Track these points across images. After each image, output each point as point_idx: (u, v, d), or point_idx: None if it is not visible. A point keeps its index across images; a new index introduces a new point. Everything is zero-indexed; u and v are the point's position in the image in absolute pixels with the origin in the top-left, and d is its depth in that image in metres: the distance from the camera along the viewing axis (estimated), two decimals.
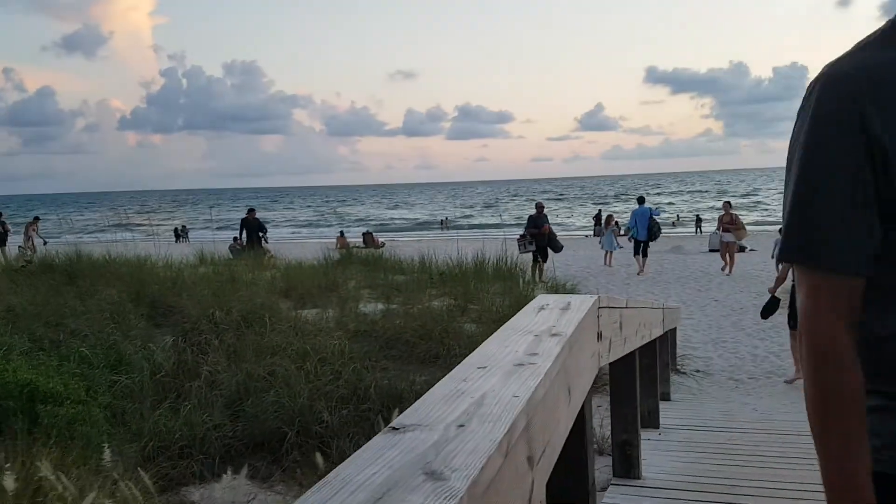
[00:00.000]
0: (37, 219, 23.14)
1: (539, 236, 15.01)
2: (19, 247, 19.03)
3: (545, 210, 16.22)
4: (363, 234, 30.18)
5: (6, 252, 17.73)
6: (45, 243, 20.21)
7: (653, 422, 4.13)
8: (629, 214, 19.74)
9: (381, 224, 60.93)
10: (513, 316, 1.75)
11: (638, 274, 16.45)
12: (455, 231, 48.34)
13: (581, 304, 1.71)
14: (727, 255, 15.38)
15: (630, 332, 2.62)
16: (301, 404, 4.13)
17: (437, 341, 6.24)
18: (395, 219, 68.87)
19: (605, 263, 17.83)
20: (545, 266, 14.73)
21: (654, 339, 3.91)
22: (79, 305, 7.03)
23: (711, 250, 15.65)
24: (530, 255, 14.80)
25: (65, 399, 3.72)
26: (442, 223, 55.48)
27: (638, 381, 3.13)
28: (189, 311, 6.62)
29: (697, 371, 7.06)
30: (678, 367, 6.94)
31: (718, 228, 16.09)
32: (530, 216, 15.84)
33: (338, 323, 6.93)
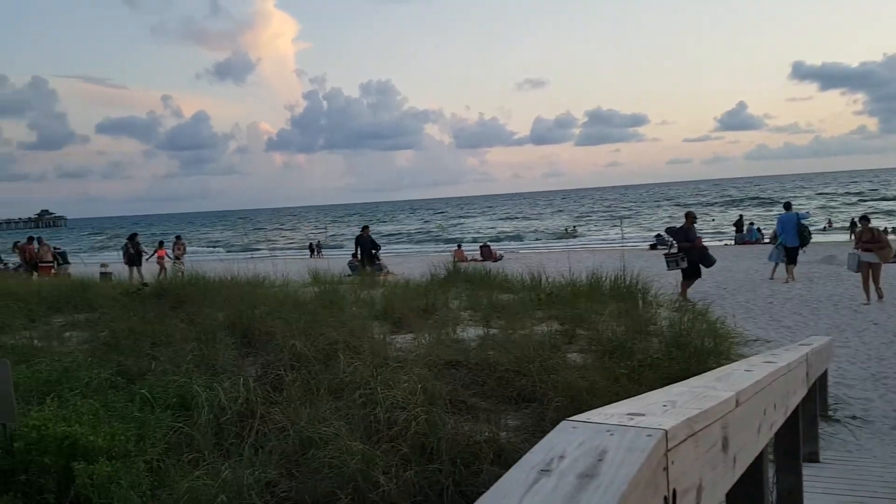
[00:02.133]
0: (178, 237, 24.66)
1: (690, 250, 13.45)
2: (172, 263, 20.24)
3: (696, 220, 14.40)
4: (480, 246, 29.70)
5: (140, 272, 18.89)
6: (175, 261, 21.43)
7: (795, 501, 3.21)
8: (775, 221, 18.06)
9: (501, 234, 60.33)
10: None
11: (786, 282, 14.78)
12: (579, 240, 46.89)
13: (624, 458, 0.94)
14: (869, 279, 12.56)
15: (747, 437, 1.77)
16: (354, 464, 3.60)
17: (534, 377, 5.53)
18: (518, 228, 67.97)
19: (770, 277, 16.01)
20: (691, 285, 13.41)
21: (796, 408, 2.97)
22: (176, 333, 6.98)
23: (852, 270, 12.97)
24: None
25: (104, 454, 3.42)
26: (566, 232, 54.06)
27: (767, 487, 2.25)
28: (277, 340, 6.34)
29: (853, 418, 5.85)
30: (829, 412, 5.78)
31: (857, 246, 13.45)
32: (680, 227, 14.09)
33: (429, 351, 6.40)
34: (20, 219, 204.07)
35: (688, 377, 5.54)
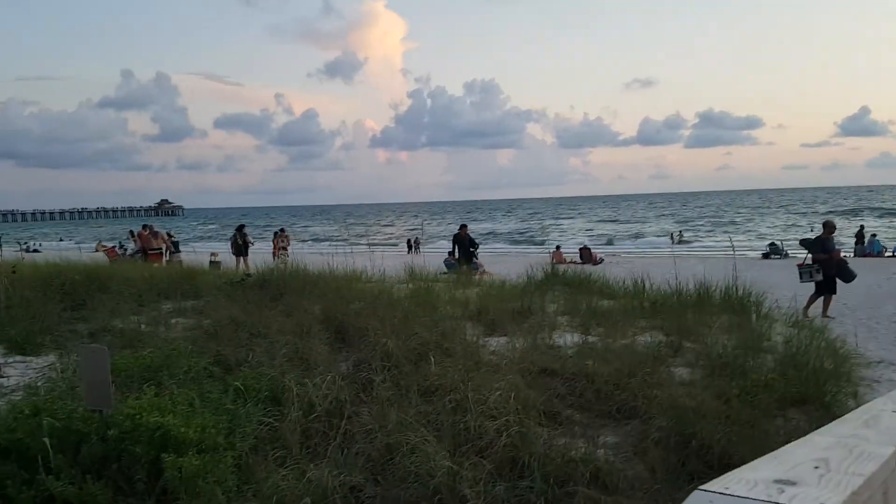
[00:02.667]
0: (281, 230, 25.48)
1: (828, 263, 12.56)
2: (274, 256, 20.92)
3: (835, 231, 13.43)
4: (580, 248, 28.97)
5: (247, 262, 19.58)
6: (281, 252, 22.08)
7: None
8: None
9: (602, 235, 58.80)
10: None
11: None
12: (686, 246, 44.94)
13: None
14: None
15: None
16: (439, 477, 3.41)
17: (635, 391, 5.17)
18: (619, 231, 66.05)
19: None
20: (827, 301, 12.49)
21: None
22: (273, 324, 7.06)
23: None
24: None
25: (194, 447, 3.41)
26: (671, 237, 52.04)
27: None
28: (369, 338, 6.28)
29: None
30: None
31: None
32: (817, 237, 13.23)
33: (523, 356, 6.14)
34: (141, 207, 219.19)
35: (804, 401, 4.99)
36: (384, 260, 19.63)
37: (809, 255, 12.99)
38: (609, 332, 7.32)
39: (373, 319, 7.07)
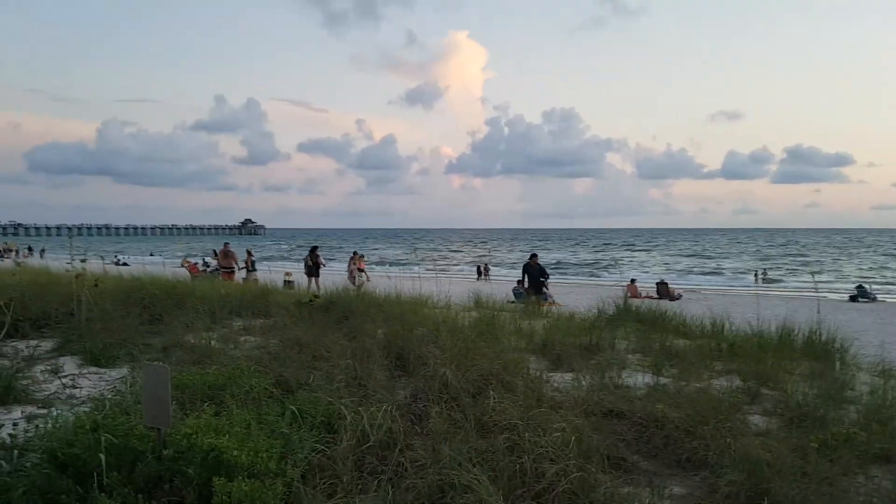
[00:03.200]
0: (355, 253, 25.89)
1: None
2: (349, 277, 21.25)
3: None
4: (657, 283, 28.10)
5: (318, 283, 19.94)
6: (359, 274, 22.38)
7: None
8: None
9: (678, 273, 56.95)
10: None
11: None
12: (769, 285, 42.97)
13: None
14: None
15: None
16: None
17: (706, 440, 4.86)
18: (696, 267, 63.84)
19: None
20: None
21: None
22: (335, 348, 7.08)
23: None
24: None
25: (245, 471, 3.38)
26: (755, 275, 49.96)
27: None
28: (430, 366, 6.18)
29: None
30: None
31: None
32: None
33: (589, 395, 5.90)
34: (226, 226, 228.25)
35: (888, 459, 4.56)
36: (452, 286, 19.63)
37: None
38: (683, 375, 6.99)
39: (434, 347, 6.99)
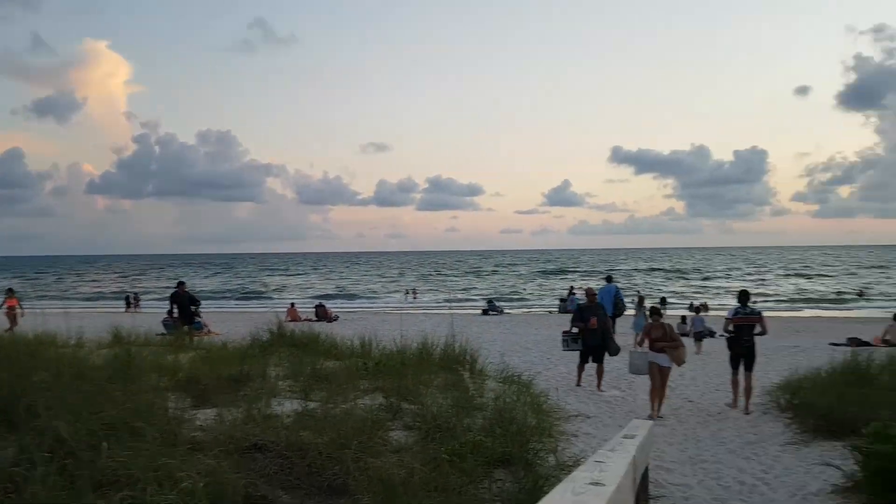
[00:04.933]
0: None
1: (589, 331, 12.37)
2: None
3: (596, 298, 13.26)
4: (315, 305, 28.68)
5: None
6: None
7: None
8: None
9: (340, 292, 59.18)
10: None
11: None
12: (416, 302, 46.98)
13: None
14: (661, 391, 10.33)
15: None
16: None
17: (348, 463, 4.91)
18: (352, 287, 67.14)
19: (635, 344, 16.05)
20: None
21: None
22: None
23: (639, 373, 10.89)
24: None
25: None
26: (407, 293, 54.04)
27: None
28: (40, 420, 5.21)
29: None
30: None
31: (639, 343, 11.21)
32: (583, 305, 13.05)
33: (233, 429, 5.57)
34: None
35: (510, 461, 5.11)
36: (89, 320, 17.30)
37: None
38: (330, 397, 7.03)
39: (51, 395, 5.95)
